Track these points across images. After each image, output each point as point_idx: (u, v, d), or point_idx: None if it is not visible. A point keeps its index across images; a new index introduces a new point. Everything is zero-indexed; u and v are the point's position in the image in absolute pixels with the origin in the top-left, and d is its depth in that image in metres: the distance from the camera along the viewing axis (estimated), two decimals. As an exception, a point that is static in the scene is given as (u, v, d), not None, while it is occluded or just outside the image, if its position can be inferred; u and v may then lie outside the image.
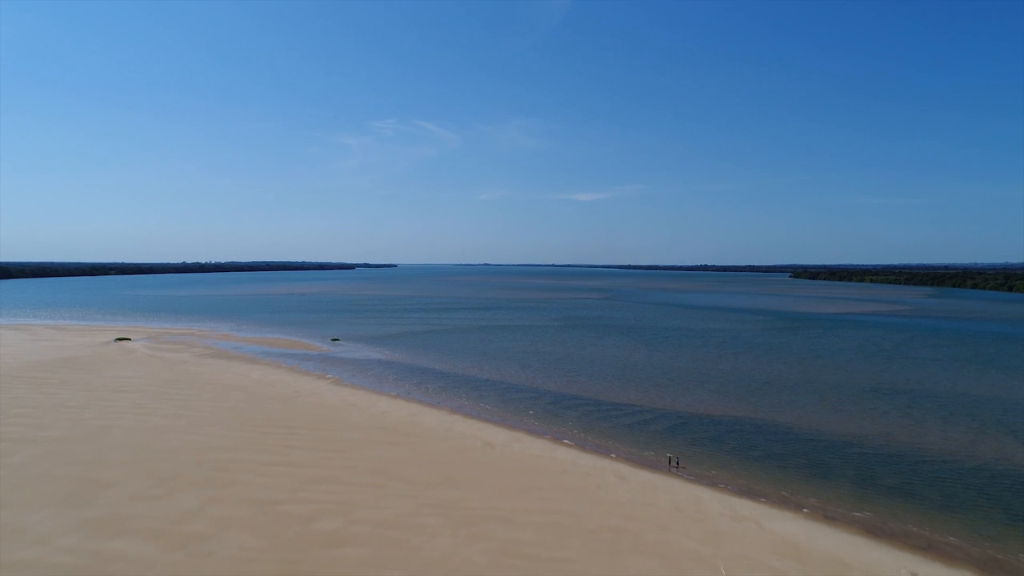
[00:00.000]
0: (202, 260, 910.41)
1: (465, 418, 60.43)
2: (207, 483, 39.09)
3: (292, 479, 40.25)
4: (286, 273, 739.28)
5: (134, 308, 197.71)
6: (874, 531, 35.63)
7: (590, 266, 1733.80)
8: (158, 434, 50.34)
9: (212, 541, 30.83)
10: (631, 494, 39.71)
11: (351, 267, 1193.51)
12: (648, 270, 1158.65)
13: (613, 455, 49.46)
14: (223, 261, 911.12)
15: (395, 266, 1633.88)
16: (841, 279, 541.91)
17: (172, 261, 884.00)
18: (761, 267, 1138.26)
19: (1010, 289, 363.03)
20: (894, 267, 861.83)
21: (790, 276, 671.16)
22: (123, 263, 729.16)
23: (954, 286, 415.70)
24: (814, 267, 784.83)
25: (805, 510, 38.59)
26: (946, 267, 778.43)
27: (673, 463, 47.16)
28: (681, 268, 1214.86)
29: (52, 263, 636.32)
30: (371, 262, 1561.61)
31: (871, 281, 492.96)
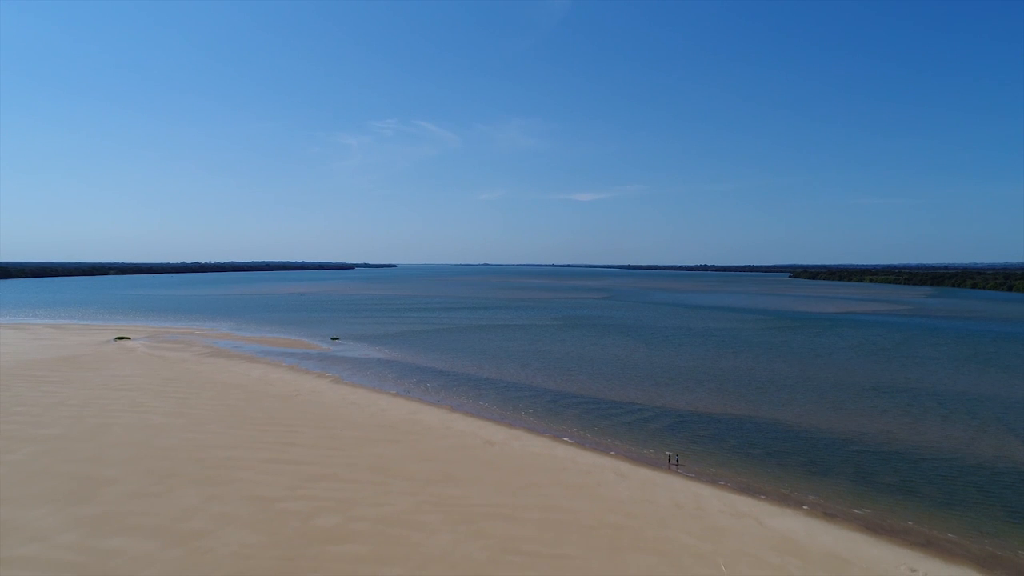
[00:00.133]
0: (202, 260, 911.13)
1: (465, 416, 60.44)
2: (207, 480, 39.09)
3: (292, 476, 40.25)
4: (286, 273, 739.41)
5: (134, 307, 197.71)
6: (874, 528, 35.64)
7: (590, 266, 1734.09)
8: (158, 432, 50.34)
9: (212, 538, 30.82)
10: (631, 491, 39.72)
11: (351, 267, 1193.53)
12: (648, 270, 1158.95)
13: (613, 453, 49.48)
14: (223, 261, 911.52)
15: (395, 266, 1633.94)
16: (841, 279, 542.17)
17: (172, 261, 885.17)
18: (761, 267, 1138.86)
19: (1010, 289, 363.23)
20: (894, 267, 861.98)
21: (790, 276, 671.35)
22: (123, 263, 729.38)
23: (954, 286, 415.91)
24: (814, 267, 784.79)
25: (805, 507, 38.61)
26: (946, 267, 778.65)
27: (673, 461, 47.17)
28: (681, 268, 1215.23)
29: (52, 263, 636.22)
30: (371, 262, 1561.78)
31: (871, 281, 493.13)
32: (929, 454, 49.89)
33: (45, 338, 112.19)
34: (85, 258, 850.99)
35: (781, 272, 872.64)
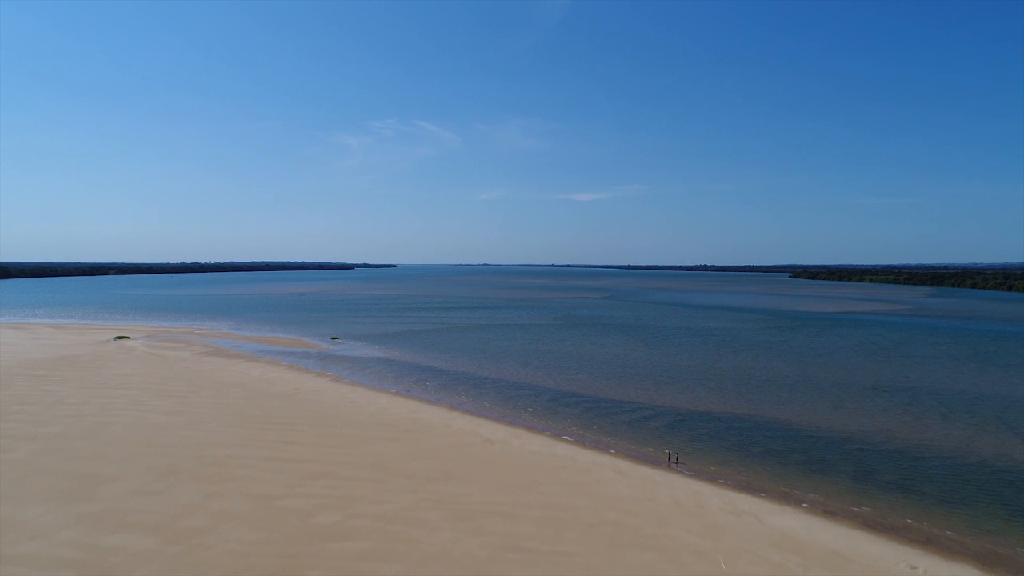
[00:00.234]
0: (202, 260, 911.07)
1: (465, 415, 60.45)
2: (206, 478, 39.09)
3: (292, 474, 40.25)
4: (286, 273, 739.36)
5: (133, 307, 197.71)
6: (874, 525, 35.65)
7: (590, 266, 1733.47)
8: (157, 430, 50.34)
9: (211, 535, 30.83)
10: (630, 489, 39.72)
11: (351, 267, 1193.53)
12: (648, 270, 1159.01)
13: (612, 451, 49.48)
14: (223, 261, 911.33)
15: (395, 266, 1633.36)
16: (841, 279, 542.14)
17: (172, 261, 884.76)
18: (761, 267, 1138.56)
19: (1009, 289, 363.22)
20: (894, 267, 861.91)
21: (790, 276, 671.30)
22: (123, 263, 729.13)
23: (953, 286, 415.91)
24: (814, 267, 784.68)
25: (805, 505, 38.62)
26: (946, 267, 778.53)
27: (672, 459, 47.18)
28: (681, 268, 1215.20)
29: (52, 263, 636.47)
30: (371, 262, 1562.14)
31: (871, 281, 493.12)
32: (929, 452, 49.91)
33: (45, 337, 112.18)
34: (85, 258, 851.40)
35: (781, 272, 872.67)
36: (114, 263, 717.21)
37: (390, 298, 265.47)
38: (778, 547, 31.48)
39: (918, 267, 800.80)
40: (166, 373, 77.42)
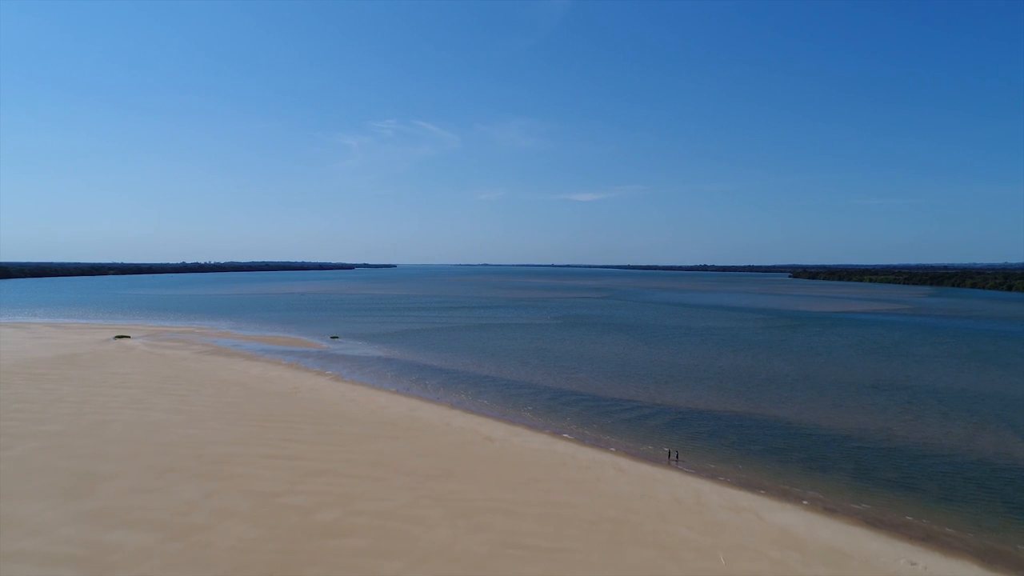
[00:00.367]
0: (202, 260, 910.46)
1: (464, 413, 60.43)
2: (206, 476, 39.07)
3: (291, 472, 40.24)
4: (286, 273, 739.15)
5: (133, 307, 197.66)
6: (873, 522, 35.65)
7: (590, 266, 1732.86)
8: (157, 428, 50.32)
9: (211, 532, 30.81)
10: (630, 486, 39.71)
11: (351, 267, 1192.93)
12: (648, 270, 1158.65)
13: (612, 449, 49.47)
14: (223, 261, 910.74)
15: (395, 266, 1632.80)
16: (841, 279, 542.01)
17: (171, 261, 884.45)
18: (761, 267, 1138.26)
19: (1009, 288, 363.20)
20: (894, 267, 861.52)
21: (790, 276, 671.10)
22: (122, 263, 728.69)
23: (953, 285, 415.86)
24: (814, 267, 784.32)
25: (805, 502, 38.61)
26: (946, 267, 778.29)
27: (673, 457, 47.16)
28: (681, 268, 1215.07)
29: (51, 263, 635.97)
30: (371, 262, 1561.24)
31: (870, 281, 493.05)
32: (929, 450, 49.90)
33: (45, 336, 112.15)
34: (85, 258, 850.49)
35: (781, 272, 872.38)
36: (114, 263, 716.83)
37: (390, 298, 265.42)
38: (778, 544, 31.48)
39: (918, 267, 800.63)
40: (166, 372, 77.40)
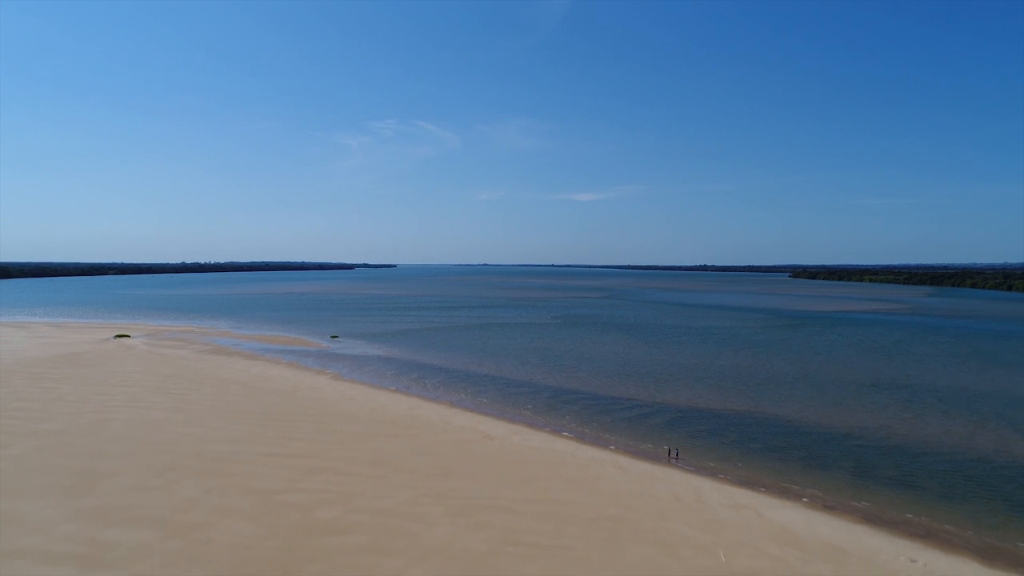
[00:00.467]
0: (202, 260, 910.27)
1: (464, 412, 60.44)
2: (206, 474, 39.08)
3: (291, 470, 40.24)
4: (286, 273, 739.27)
5: (133, 306, 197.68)
6: (873, 520, 35.66)
7: (590, 266, 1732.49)
8: (157, 427, 50.32)
9: (211, 529, 30.82)
10: (630, 484, 39.73)
11: (351, 267, 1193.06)
12: (648, 270, 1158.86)
13: (612, 447, 49.49)
14: (223, 261, 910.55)
15: (395, 266, 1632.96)
16: (841, 279, 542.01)
17: (171, 261, 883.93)
18: (761, 267, 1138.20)
19: (1009, 288, 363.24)
20: (894, 267, 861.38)
21: (790, 276, 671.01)
22: (122, 263, 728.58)
23: (953, 285, 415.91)
24: (814, 267, 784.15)
25: (805, 500, 38.63)
26: (946, 267, 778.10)
27: (672, 455, 47.18)
28: (681, 268, 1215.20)
29: (51, 263, 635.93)
30: (371, 262, 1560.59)
31: (870, 281, 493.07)
32: (929, 449, 49.91)
33: (45, 336, 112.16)
34: (85, 258, 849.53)
35: (781, 272, 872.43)
36: (114, 263, 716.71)
37: (390, 298, 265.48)
38: (778, 541, 31.49)
39: (918, 267, 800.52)
40: (166, 371, 77.41)
